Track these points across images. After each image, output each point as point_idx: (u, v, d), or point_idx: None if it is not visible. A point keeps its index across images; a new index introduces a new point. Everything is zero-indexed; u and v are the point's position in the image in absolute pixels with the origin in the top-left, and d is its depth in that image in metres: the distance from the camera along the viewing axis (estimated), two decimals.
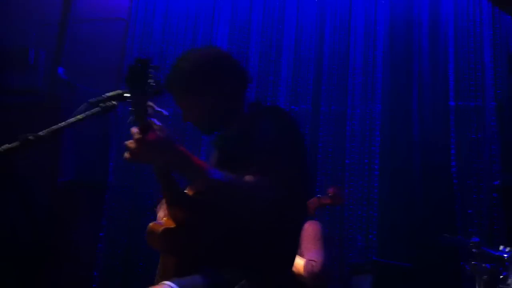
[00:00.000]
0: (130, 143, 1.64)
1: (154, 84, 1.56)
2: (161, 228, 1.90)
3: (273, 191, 1.72)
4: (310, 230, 3.09)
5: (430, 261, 4.04)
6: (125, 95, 1.75)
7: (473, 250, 3.21)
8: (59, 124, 1.89)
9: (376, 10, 4.79)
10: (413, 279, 3.78)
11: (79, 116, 1.91)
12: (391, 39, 4.75)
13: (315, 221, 3.30)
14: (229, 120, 2.01)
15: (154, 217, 2.18)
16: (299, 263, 2.90)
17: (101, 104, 1.93)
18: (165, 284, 1.73)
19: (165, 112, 1.76)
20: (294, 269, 2.81)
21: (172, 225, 1.90)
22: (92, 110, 1.94)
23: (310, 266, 2.88)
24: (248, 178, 1.73)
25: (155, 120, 1.69)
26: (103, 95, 1.95)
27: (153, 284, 1.85)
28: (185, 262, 1.85)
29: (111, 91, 1.97)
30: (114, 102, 1.94)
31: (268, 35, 4.95)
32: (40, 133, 1.83)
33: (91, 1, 5.19)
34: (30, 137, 1.80)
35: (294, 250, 2.01)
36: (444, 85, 4.52)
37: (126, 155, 1.66)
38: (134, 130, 1.62)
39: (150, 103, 1.65)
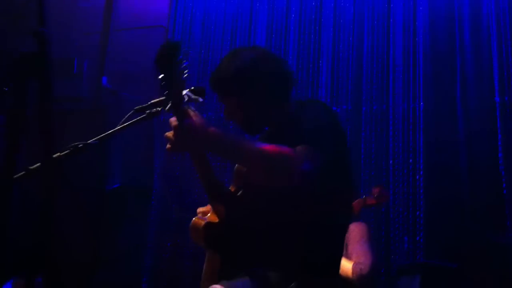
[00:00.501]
0: (169, 133, 1.65)
1: (186, 69, 1.56)
2: (203, 223, 1.91)
3: (317, 160, 1.70)
4: (356, 231, 3.07)
5: (479, 262, 3.94)
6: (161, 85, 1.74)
7: None
8: (107, 131, 1.94)
9: (416, 6, 4.72)
10: (461, 280, 3.70)
11: (126, 123, 1.95)
12: (431, 35, 4.67)
13: (361, 222, 3.27)
14: (272, 120, 2.02)
15: None
16: (347, 265, 2.87)
17: (146, 111, 1.97)
18: (215, 287, 1.73)
19: (200, 99, 1.76)
20: (342, 272, 2.81)
21: (215, 220, 1.91)
22: (138, 117, 1.98)
23: (359, 269, 2.85)
24: (296, 148, 1.71)
25: (191, 107, 1.68)
26: (148, 102, 1.98)
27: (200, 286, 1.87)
28: (231, 261, 1.86)
29: (154, 98, 2.01)
30: (158, 108, 1.97)
31: (306, 37, 4.94)
32: (90, 141, 1.88)
33: (131, 10, 5.29)
34: (80, 145, 1.85)
35: (340, 249, 1.99)
36: (489, 80, 4.40)
37: (168, 146, 1.67)
38: (172, 119, 1.62)
39: (186, 92, 1.65)
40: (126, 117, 1.98)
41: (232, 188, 1.98)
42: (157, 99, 1.98)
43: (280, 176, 1.69)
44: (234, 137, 1.70)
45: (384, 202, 3.50)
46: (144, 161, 4.80)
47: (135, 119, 1.96)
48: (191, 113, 1.62)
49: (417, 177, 4.34)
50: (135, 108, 1.99)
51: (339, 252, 1.98)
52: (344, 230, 2.05)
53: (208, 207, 2.06)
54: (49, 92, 1.25)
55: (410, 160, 4.40)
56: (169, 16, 5.35)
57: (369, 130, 4.57)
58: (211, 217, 1.95)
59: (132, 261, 4.60)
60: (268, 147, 1.69)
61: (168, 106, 1.58)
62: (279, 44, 4.98)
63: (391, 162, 4.44)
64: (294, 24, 5.01)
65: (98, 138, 1.93)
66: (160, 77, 1.55)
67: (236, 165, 2.00)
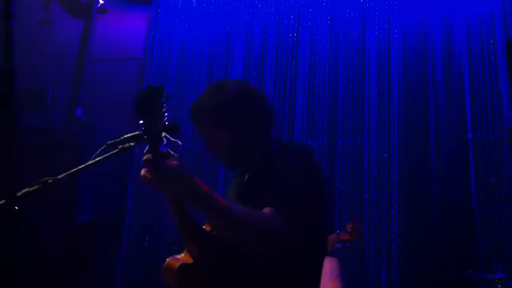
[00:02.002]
0: (143, 171, 1.61)
1: (166, 112, 1.55)
2: (177, 264, 1.86)
3: (288, 224, 1.68)
4: (328, 267, 3.04)
5: None
6: (140, 133, 1.72)
7: (498, 286, 3.13)
8: (78, 167, 1.90)
9: (390, 43, 4.81)
10: None
11: (97, 159, 1.92)
12: (405, 71, 4.75)
13: (334, 258, 3.25)
14: (250, 156, 2.00)
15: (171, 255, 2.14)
16: None
17: (119, 146, 1.94)
18: None
19: (180, 143, 1.74)
20: None
21: (189, 260, 1.87)
22: (110, 152, 1.95)
23: None
24: (264, 211, 1.70)
25: (169, 150, 1.64)
26: (121, 137, 1.96)
27: None
28: None
29: (128, 131, 1.98)
30: (131, 143, 1.95)
31: (282, 71, 4.99)
32: (60, 176, 1.84)
33: (107, 42, 5.28)
34: (50, 181, 1.81)
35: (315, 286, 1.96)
36: (461, 116, 4.48)
37: (143, 175, 1.63)
38: (147, 157, 1.59)
39: (165, 134, 1.63)
40: (98, 151, 1.95)
41: (207, 227, 1.94)
42: (130, 134, 1.95)
43: (251, 244, 1.68)
44: (212, 192, 1.64)
45: (358, 238, 3.48)
46: (116, 194, 4.73)
47: (107, 154, 1.93)
48: (171, 157, 1.60)
49: (392, 211, 4.35)
50: (108, 142, 1.96)
51: None
52: (319, 267, 2.02)
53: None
54: (12, 130, 1.22)
55: (385, 195, 4.41)
56: (146, 48, 5.36)
57: (344, 164, 4.59)
58: (184, 257, 1.90)
59: None
60: (245, 213, 1.66)
61: (146, 149, 1.56)
62: (255, 77, 5.01)
63: (366, 196, 4.45)
64: (271, 58, 5.05)
65: (69, 174, 1.89)
66: (140, 122, 1.54)
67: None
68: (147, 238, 4.72)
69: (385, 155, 4.53)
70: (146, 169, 1.59)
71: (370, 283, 4.23)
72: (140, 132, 1.58)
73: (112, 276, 4.63)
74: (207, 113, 1.98)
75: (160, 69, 5.25)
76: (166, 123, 1.81)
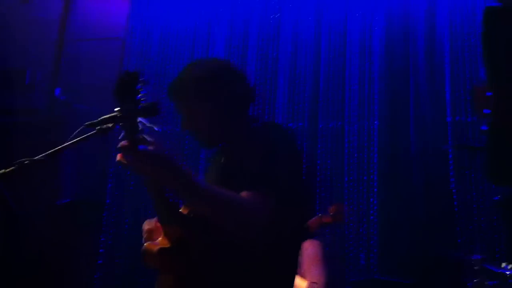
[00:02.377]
0: (119, 156, 1.64)
1: (143, 98, 1.55)
2: (156, 248, 1.87)
3: (268, 206, 1.70)
4: (310, 250, 3.07)
5: (432, 279, 4.00)
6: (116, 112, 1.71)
7: (475, 267, 3.18)
8: (56, 148, 1.88)
9: (372, 25, 4.81)
10: None
11: (75, 140, 1.90)
12: (387, 54, 4.76)
13: (316, 241, 3.28)
14: (228, 134, 1.98)
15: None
16: (301, 285, 2.87)
17: (97, 127, 1.92)
18: None
19: (156, 128, 1.74)
20: None
21: (167, 244, 1.88)
22: (89, 133, 1.93)
23: None
24: (243, 194, 1.70)
25: (146, 136, 1.66)
26: (99, 118, 1.94)
27: None
28: (183, 282, 1.82)
29: (109, 111, 1.96)
30: (109, 125, 1.93)
31: (264, 53, 4.96)
32: (36, 157, 1.82)
33: (87, 21, 5.20)
34: (26, 162, 1.79)
35: (293, 269, 1.98)
36: (441, 100, 4.51)
37: (118, 160, 1.63)
38: (122, 143, 1.59)
39: (141, 119, 1.63)
40: (76, 132, 1.93)
41: (184, 210, 1.94)
42: (108, 115, 1.93)
43: (230, 226, 1.71)
44: (190, 175, 1.65)
45: (340, 221, 3.52)
46: (96, 175, 4.70)
47: (85, 135, 1.91)
48: (147, 142, 1.61)
49: (371, 194, 4.39)
50: (86, 123, 1.94)
51: (292, 270, 1.97)
52: (297, 248, 2.03)
53: (152, 224, 2.01)
54: None
55: (365, 178, 4.45)
56: (127, 28, 5.29)
57: (324, 147, 4.61)
58: (162, 241, 1.91)
59: (84, 276, 4.49)
60: (222, 195, 1.68)
61: (122, 135, 1.56)
62: (237, 59, 4.98)
63: (346, 179, 4.48)
64: (253, 39, 5.02)
65: (46, 155, 1.87)
66: (116, 108, 1.56)
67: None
68: (127, 220, 4.71)
69: (365, 137, 4.56)
70: (120, 154, 1.59)
71: (350, 265, 4.28)
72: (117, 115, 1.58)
73: (92, 258, 4.63)
74: (185, 88, 1.98)
75: (142, 49, 5.20)
76: (145, 104, 1.81)
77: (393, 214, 4.36)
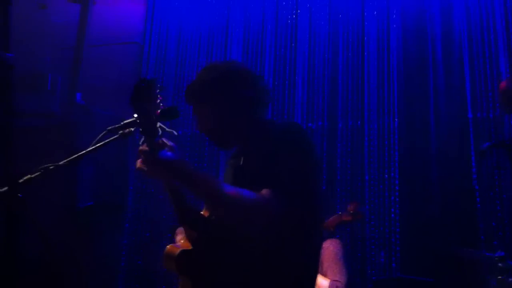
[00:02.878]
0: (139, 162, 1.66)
1: (161, 104, 1.56)
2: (177, 251, 1.89)
3: (286, 205, 1.71)
4: (331, 249, 3.07)
5: (454, 276, 3.96)
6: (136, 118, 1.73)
7: (499, 264, 3.15)
8: (79, 153, 1.90)
9: (389, 24, 4.78)
10: None
11: (98, 144, 1.92)
12: (404, 52, 4.73)
13: (336, 240, 3.27)
14: (244, 136, 2.00)
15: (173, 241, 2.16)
16: (324, 283, 2.87)
17: (119, 131, 1.94)
18: None
19: (175, 133, 1.76)
20: None
21: (189, 247, 1.89)
22: (111, 138, 1.95)
23: (335, 286, 2.85)
24: (261, 193, 1.71)
25: (166, 140, 1.69)
26: (120, 123, 1.96)
27: None
28: (201, 285, 1.83)
29: (127, 115, 1.98)
30: (131, 129, 1.95)
31: (281, 54, 4.97)
32: (61, 162, 1.84)
33: (105, 26, 5.25)
34: (51, 167, 1.81)
35: (314, 268, 1.98)
36: (461, 97, 4.47)
37: (138, 165, 1.65)
38: (142, 148, 1.62)
39: (160, 124, 1.65)
40: (98, 137, 1.95)
41: (205, 213, 1.95)
42: (130, 119, 1.95)
43: (248, 225, 1.74)
44: (208, 178, 1.70)
45: (360, 219, 3.51)
46: (117, 179, 4.74)
47: (108, 140, 1.93)
48: (167, 147, 1.63)
49: (392, 192, 4.37)
50: (108, 128, 1.96)
51: (313, 269, 1.97)
52: (317, 246, 2.04)
53: (181, 233, 2.04)
54: (11, 118, 1.22)
55: (386, 176, 4.43)
56: (144, 32, 5.33)
57: (344, 146, 4.60)
58: (184, 244, 1.92)
59: (105, 277, 4.52)
60: (240, 195, 1.69)
61: (142, 140, 1.58)
62: (254, 60, 5.00)
63: (366, 177, 4.46)
64: (270, 40, 5.03)
65: (70, 160, 1.89)
66: (135, 115, 1.59)
67: None
68: (148, 222, 4.74)
69: (385, 136, 4.53)
70: (141, 160, 1.62)
71: (371, 263, 4.26)
72: (137, 125, 1.61)
73: (114, 261, 4.66)
74: (199, 91, 2.00)
75: (159, 53, 5.24)
76: (164, 108, 1.83)
77: (414, 212, 4.33)
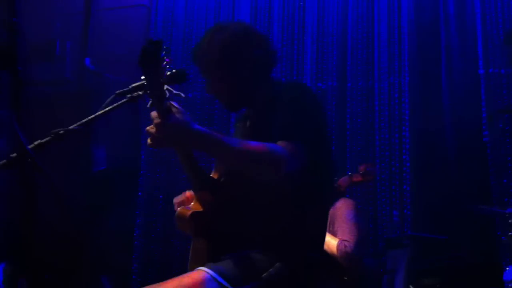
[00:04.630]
0: (150, 128, 1.65)
1: (168, 66, 1.56)
2: (189, 213, 1.92)
3: (300, 153, 1.73)
4: (343, 209, 3.08)
5: (466, 233, 3.99)
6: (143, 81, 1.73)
7: (510, 220, 3.17)
8: (88, 117, 1.92)
9: None
10: (449, 251, 3.75)
11: (106, 109, 1.94)
12: (416, 8, 4.65)
13: (348, 199, 3.29)
14: (251, 98, 2.02)
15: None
16: (332, 242, 2.89)
17: (128, 95, 1.95)
18: (202, 270, 1.74)
19: (182, 95, 1.76)
20: (327, 248, 2.83)
21: (199, 209, 1.92)
22: (119, 102, 1.96)
23: (343, 246, 2.87)
24: (278, 143, 1.73)
25: (174, 103, 1.69)
26: (129, 86, 1.97)
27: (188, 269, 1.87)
28: (216, 245, 1.87)
29: (137, 79, 1.99)
30: (140, 92, 1.96)
31: (290, 13, 4.90)
32: (71, 127, 1.86)
33: None
34: (61, 132, 1.83)
35: (323, 226, 2.01)
36: (473, 52, 4.41)
37: (148, 141, 1.66)
38: (154, 114, 1.62)
39: (167, 86, 1.65)
40: (107, 101, 1.96)
41: (215, 175, 1.98)
42: (138, 83, 1.96)
43: (267, 175, 1.73)
44: (218, 136, 1.70)
45: (371, 179, 3.52)
46: (131, 144, 4.78)
47: (116, 104, 1.94)
48: (174, 109, 1.63)
49: (404, 151, 4.36)
50: (116, 92, 1.97)
51: (322, 230, 2.00)
52: (326, 208, 2.07)
53: (182, 197, 2.07)
54: (20, 84, 1.24)
55: (396, 135, 4.41)
56: None
57: (354, 106, 4.57)
58: (195, 206, 1.95)
59: (121, 243, 4.61)
60: (255, 147, 1.70)
61: (150, 103, 1.58)
62: (263, 21, 4.94)
63: (377, 137, 4.45)
64: (278, 0, 4.97)
65: (80, 124, 1.91)
66: (142, 77, 1.58)
67: None
68: (162, 187, 4.78)
69: (396, 94, 4.50)
70: (152, 126, 1.62)
71: (382, 222, 4.29)
72: (144, 87, 1.61)
73: (130, 226, 4.74)
74: (206, 54, 2.00)
75: (168, 15, 5.20)
76: (173, 71, 1.84)
77: (425, 170, 4.33)
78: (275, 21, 4.92)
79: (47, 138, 1.81)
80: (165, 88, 1.61)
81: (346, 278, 2.90)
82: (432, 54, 4.55)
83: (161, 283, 1.73)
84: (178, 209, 1.97)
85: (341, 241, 2.90)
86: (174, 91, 1.71)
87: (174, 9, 5.20)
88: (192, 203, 1.98)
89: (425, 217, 4.22)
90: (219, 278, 1.70)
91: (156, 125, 1.61)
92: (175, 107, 1.66)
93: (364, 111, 4.54)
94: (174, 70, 1.94)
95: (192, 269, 1.81)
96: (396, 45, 4.59)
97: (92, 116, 1.93)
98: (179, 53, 4.97)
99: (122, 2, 5.25)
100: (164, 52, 1.55)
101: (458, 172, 4.23)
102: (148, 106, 1.64)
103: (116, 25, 5.06)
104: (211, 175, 2.00)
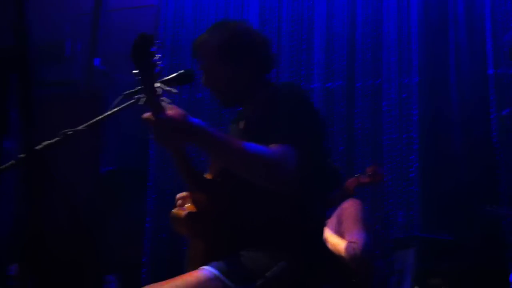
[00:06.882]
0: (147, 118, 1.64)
1: (158, 61, 1.56)
2: (183, 213, 1.91)
3: (295, 156, 1.73)
4: (351, 210, 3.07)
5: (473, 235, 3.97)
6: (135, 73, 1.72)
7: None
8: (97, 118, 1.94)
9: None
10: (456, 253, 3.74)
11: (115, 109, 1.95)
12: (425, 8, 4.64)
13: (356, 200, 3.27)
14: (245, 96, 2.03)
15: None
16: (340, 244, 2.87)
17: (135, 96, 1.97)
18: (205, 268, 1.74)
19: (173, 90, 1.76)
20: (335, 250, 2.82)
21: (194, 209, 1.92)
22: (127, 102, 1.98)
23: (351, 248, 2.85)
24: (270, 146, 1.73)
25: (164, 99, 1.67)
26: (137, 87, 1.98)
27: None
28: (213, 246, 1.86)
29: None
30: None
31: (299, 13, 4.90)
32: (79, 127, 1.88)
33: None
34: (69, 132, 1.85)
35: (322, 223, 2.02)
36: (482, 53, 4.39)
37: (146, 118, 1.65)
38: (145, 115, 1.62)
39: (159, 83, 1.64)
40: (115, 102, 1.98)
41: (209, 176, 1.98)
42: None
43: (262, 179, 1.73)
44: (217, 132, 1.70)
45: (379, 181, 3.50)
46: (139, 143, 4.80)
47: (124, 105, 1.96)
48: (166, 105, 1.62)
49: (411, 151, 4.35)
50: (124, 93, 1.99)
51: (321, 225, 2.01)
52: (325, 201, 2.07)
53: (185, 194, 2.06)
54: (29, 86, 1.25)
55: (404, 135, 4.40)
56: None
57: (362, 106, 4.56)
58: (190, 207, 1.95)
59: (132, 241, 4.63)
60: (252, 150, 1.70)
61: (142, 100, 1.58)
62: (272, 20, 4.95)
63: (385, 137, 4.44)
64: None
65: (89, 125, 1.92)
66: (134, 71, 1.56)
67: None
68: (170, 185, 4.80)
69: (405, 94, 4.49)
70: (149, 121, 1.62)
71: (389, 222, 4.28)
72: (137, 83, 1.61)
73: (140, 222, 4.76)
74: (205, 48, 2.03)
75: (176, 15, 5.21)
76: (181, 71, 1.84)
77: (434, 171, 4.32)
78: (284, 21, 4.92)
79: (56, 139, 1.83)
80: (156, 85, 1.61)
81: (354, 280, 2.88)
82: (441, 54, 4.54)
83: (163, 281, 1.73)
84: (173, 210, 1.98)
85: (349, 242, 2.88)
86: (167, 87, 1.71)
87: (184, 9, 5.21)
88: (187, 204, 1.98)
89: (432, 218, 4.21)
90: (222, 277, 1.70)
91: (150, 123, 1.61)
92: (167, 103, 1.64)
93: (372, 111, 4.54)
94: (182, 71, 1.96)
95: (189, 270, 1.81)
96: (405, 45, 4.57)
97: (101, 116, 1.95)
98: (188, 53, 4.98)
99: (131, 2, 5.28)
100: (155, 47, 1.55)
101: (466, 173, 4.21)
102: (140, 103, 1.63)
103: (125, 26, 5.08)
104: (205, 175, 2.00)
